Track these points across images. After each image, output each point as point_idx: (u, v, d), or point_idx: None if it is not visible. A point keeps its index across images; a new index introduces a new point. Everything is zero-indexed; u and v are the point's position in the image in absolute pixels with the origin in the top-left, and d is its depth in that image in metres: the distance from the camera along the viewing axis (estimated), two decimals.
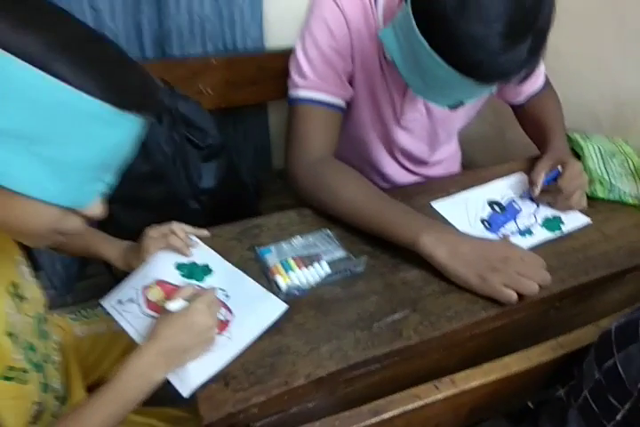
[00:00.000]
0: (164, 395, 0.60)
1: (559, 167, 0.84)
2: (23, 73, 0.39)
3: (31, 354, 0.59)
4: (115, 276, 1.17)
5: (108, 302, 0.67)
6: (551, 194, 0.84)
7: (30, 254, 0.67)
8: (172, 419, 0.77)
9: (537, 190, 0.84)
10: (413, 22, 0.62)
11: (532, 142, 1.00)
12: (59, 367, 0.69)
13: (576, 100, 1.13)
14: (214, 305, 0.60)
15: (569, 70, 1.16)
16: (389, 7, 0.78)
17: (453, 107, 0.74)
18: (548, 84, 1.02)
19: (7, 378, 0.53)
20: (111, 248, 0.74)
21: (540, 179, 0.84)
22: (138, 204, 1.05)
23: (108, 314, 0.66)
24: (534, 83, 0.98)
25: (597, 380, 0.48)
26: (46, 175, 0.42)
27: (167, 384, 0.56)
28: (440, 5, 0.59)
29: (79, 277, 1.29)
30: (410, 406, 0.55)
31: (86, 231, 0.75)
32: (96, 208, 0.49)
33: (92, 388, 0.74)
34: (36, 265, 0.68)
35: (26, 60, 0.39)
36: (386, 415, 0.54)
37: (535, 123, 0.98)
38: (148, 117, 0.47)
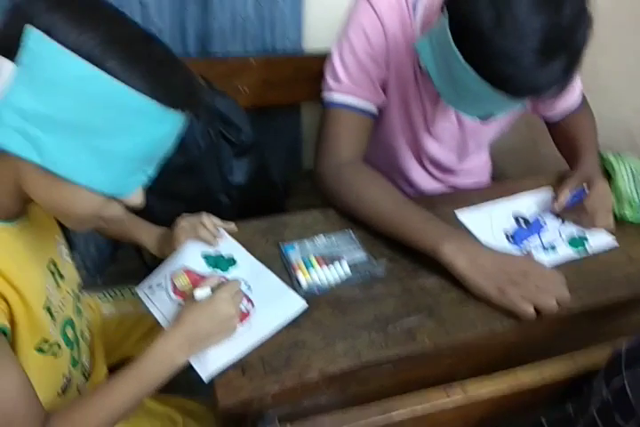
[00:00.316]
0: (184, 384, 0.62)
1: (585, 186, 0.84)
2: (79, 68, 0.42)
3: (69, 330, 0.63)
4: (144, 261, 1.22)
5: (141, 288, 0.71)
6: (576, 212, 0.84)
7: (66, 235, 0.71)
8: (189, 411, 0.79)
9: (557, 207, 0.85)
10: (449, 35, 0.64)
11: (561, 155, 1.00)
12: (88, 344, 0.72)
13: (611, 117, 1.12)
14: (238, 296, 0.63)
15: (604, 87, 1.15)
16: (427, 17, 0.79)
17: (484, 118, 0.75)
18: (584, 102, 1.01)
19: (41, 350, 0.57)
20: (147, 234, 0.78)
21: (564, 196, 0.84)
22: (171, 195, 1.08)
23: (139, 298, 0.70)
24: (570, 100, 0.98)
25: (605, 398, 0.48)
26: (95, 165, 0.46)
27: (188, 372, 0.58)
28: (477, 19, 0.60)
29: (111, 261, 1.34)
30: (418, 408, 0.56)
31: (126, 217, 0.79)
32: (137, 197, 0.52)
33: (114, 367, 0.78)
34: (70, 246, 0.72)
35: (82, 56, 0.42)
36: (394, 414, 0.56)
37: (568, 140, 0.98)
38: (190, 114, 0.50)
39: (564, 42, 0.60)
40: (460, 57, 0.63)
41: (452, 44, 0.63)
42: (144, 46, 0.46)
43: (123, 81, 0.43)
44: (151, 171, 0.52)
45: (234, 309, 0.60)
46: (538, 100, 0.96)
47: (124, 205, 0.53)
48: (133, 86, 0.44)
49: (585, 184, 0.85)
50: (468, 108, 0.74)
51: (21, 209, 0.55)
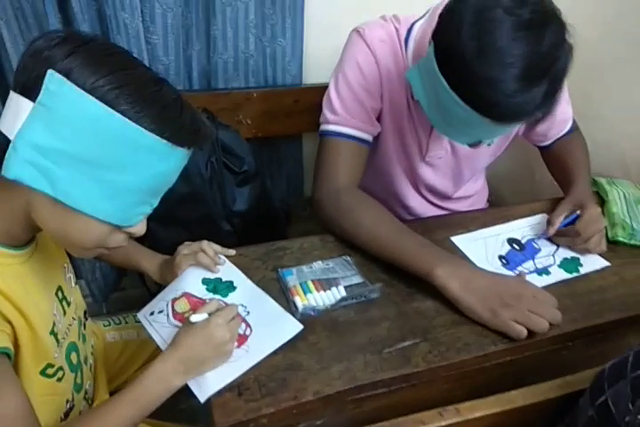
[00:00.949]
0: (188, 412, 0.62)
1: (578, 211, 0.86)
2: (95, 109, 0.46)
3: (73, 355, 0.65)
4: (148, 289, 1.24)
5: (142, 314, 0.73)
6: (570, 236, 0.86)
7: (73, 263, 0.73)
8: None
9: (552, 230, 0.86)
10: (435, 63, 0.67)
11: (554, 179, 1.03)
12: (92, 370, 0.74)
13: (604, 145, 1.16)
14: (234, 321, 0.64)
15: (598, 115, 1.18)
16: (418, 50, 0.84)
17: (473, 145, 0.78)
18: (575, 128, 1.05)
19: (46, 375, 0.58)
20: (150, 261, 0.81)
21: (558, 220, 0.86)
22: (175, 222, 1.12)
23: (141, 324, 0.72)
24: (561, 128, 1.01)
25: (590, 416, 0.49)
26: (103, 197, 0.49)
27: (190, 400, 0.59)
28: (460, 48, 0.63)
29: (115, 288, 1.36)
30: None
31: (129, 245, 0.82)
32: (140, 227, 0.56)
33: (117, 392, 0.79)
34: (76, 273, 0.75)
35: (97, 99, 0.46)
36: None
37: (560, 166, 1.01)
38: (195, 149, 0.54)
39: (545, 68, 0.63)
40: (446, 84, 0.66)
41: (438, 72, 0.67)
42: (155, 89, 0.49)
43: (135, 121, 0.47)
44: (156, 202, 0.56)
45: (228, 334, 0.61)
46: (528, 130, 0.99)
47: (127, 234, 0.56)
48: (144, 126, 0.48)
49: (579, 210, 0.87)
50: (457, 134, 0.77)
51: (30, 237, 0.58)
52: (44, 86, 0.45)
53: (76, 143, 0.47)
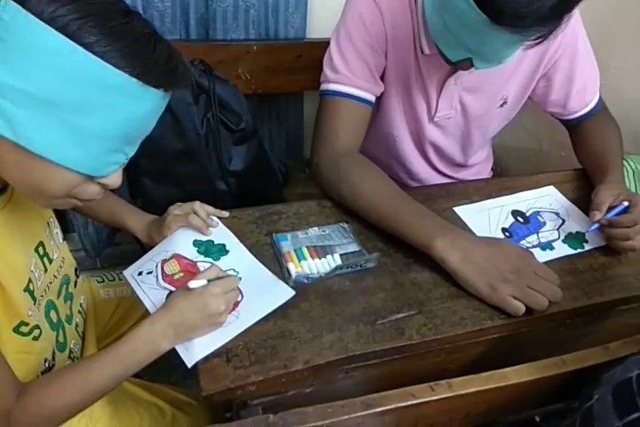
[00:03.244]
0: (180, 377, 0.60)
1: (625, 203, 0.76)
2: (55, 41, 0.41)
3: (52, 313, 0.63)
4: (142, 245, 1.21)
5: (129, 272, 0.70)
6: (624, 227, 0.74)
7: (64, 217, 0.70)
8: (178, 402, 0.79)
9: (599, 215, 0.75)
10: None
11: (581, 165, 0.95)
12: (79, 329, 0.72)
13: (619, 118, 1.10)
14: (232, 293, 0.61)
15: (613, 87, 1.12)
16: None
17: (462, 64, 0.73)
18: (603, 109, 0.96)
19: (19, 332, 0.56)
20: (136, 220, 0.77)
21: (604, 207, 0.76)
22: (168, 179, 1.08)
23: (127, 282, 0.70)
24: (583, 101, 0.93)
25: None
26: (70, 142, 0.45)
27: (182, 364, 0.58)
28: None
29: (109, 243, 1.34)
30: (403, 404, 0.56)
31: (115, 202, 0.78)
32: (115, 178, 0.51)
33: None
34: (69, 227, 0.72)
35: (58, 30, 0.41)
36: (378, 409, 0.55)
37: (590, 150, 0.92)
38: (174, 93, 0.49)
39: None
40: None
41: None
42: (124, 22, 0.44)
43: (100, 57, 0.42)
44: (131, 151, 0.51)
45: (224, 305, 0.59)
46: (543, 95, 0.93)
47: (101, 185, 0.52)
48: (111, 62, 0.43)
49: (626, 202, 0.76)
50: (449, 41, 0.71)
51: None
52: None
53: (35, 81, 0.42)
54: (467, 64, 0.73)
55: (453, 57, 0.73)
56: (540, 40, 0.65)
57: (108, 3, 0.44)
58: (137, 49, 0.44)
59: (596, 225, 0.77)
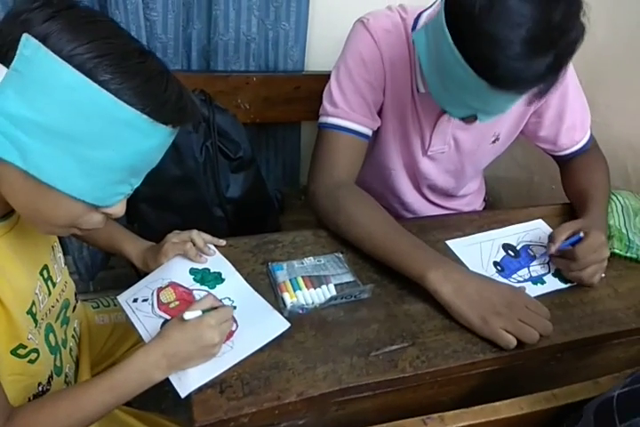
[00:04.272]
0: (170, 405, 0.59)
1: (581, 234, 0.78)
2: (71, 78, 0.43)
3: (51, 336, 0.63)
4: (137, 270, 1.21)
5: (124, 299, 0.70)
6: (567, 259, 0.78)
7: (60, 239, 0.70)
8: None
9: (553, 248, 0.78)
10: (443, 17, 0.65)
11: (568, 199, 0.98)
12: (73, 354, 0.72)
13: (606, 153, 1.13)
14: (226, 324, 0.61)
15: (602, 122, 1.16)
16: None
17: (466, 120, 0.76)
18: (594, 146, 0.99)
19: (17, 355, 0.56)
20: (133, 246, 0.78)
21: (561, 237, 0.79)
22: (166, 206, 1.09)
23: (121, 308, 0.70)
24: (573, 138, 0.96)
25: None
26: (78, 173, 0.46)
27: (172, 392, 0.58)
28: (470, 2, 0.61)
29: (103, 266, 1.34)
30: None
31: (113, 228, 0.79)
32: (118, 208, 0.52)
33: None
34: (63, 250, 0.72)
35: (76, 67, 0.43)
36: None
37: (576, 186, 0.95)
38: (182, 128, 0.51)
39: (553, 39, 0.61)
40: (450, 40, 0.64)
41: (445, 26, 0.64)
42: (139, 62, 0.46)
43: (114, 94, 0.44)
44: (136, 183, 0.52)
45: (218, 337, 0.59)
46: (537, 130, 0.95)
47: (104, 215, 0.53)
48: (124, 100, 0.44)
49: (582, 233, 0.78)
50: (451, 102, 0.74)
51: (6, 211, 0.55)
52: (18, 51, 0.42)
53: (50, 114, 0.43)
54: (471, 119, 0.76)
55: (457, 114, 0.76)
56: (541, 95, 0.68)
57: (125, 41, 0.47)
58: (150, 87, 0.46)
59: (545, 256, 0.83)
